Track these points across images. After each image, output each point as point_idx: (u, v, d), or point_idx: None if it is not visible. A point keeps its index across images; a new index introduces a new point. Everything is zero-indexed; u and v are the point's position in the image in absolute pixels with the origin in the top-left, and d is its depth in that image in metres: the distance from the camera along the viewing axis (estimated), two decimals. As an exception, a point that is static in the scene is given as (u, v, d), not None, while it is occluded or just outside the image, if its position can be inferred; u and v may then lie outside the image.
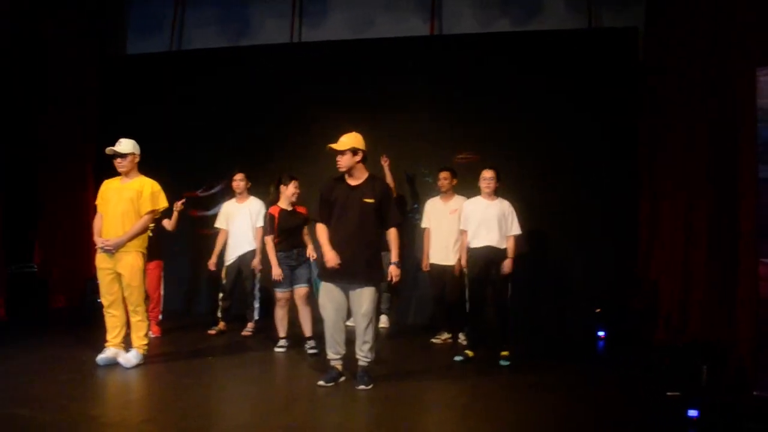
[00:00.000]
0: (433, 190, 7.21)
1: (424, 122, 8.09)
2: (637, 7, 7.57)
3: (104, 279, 5.43)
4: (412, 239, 7.57)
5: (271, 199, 6.36)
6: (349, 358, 5.05)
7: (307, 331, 6.11)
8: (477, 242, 5.92)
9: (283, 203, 6.15)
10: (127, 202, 5.39)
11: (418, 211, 7.13)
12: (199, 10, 9.29)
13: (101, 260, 5.42)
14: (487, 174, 5.99)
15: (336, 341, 4.99)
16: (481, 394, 4.89)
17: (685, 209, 6.56)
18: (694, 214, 6.43)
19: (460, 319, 6.59)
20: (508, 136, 7.75)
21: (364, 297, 4.84)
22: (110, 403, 4.65)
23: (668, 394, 4.53)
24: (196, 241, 8.57)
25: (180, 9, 9.31)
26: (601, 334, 7.06)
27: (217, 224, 7.11)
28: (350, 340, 5.05)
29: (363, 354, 4.91)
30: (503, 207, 5.96)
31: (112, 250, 5.33)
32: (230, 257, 6.96)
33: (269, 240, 6.12)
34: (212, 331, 6.98)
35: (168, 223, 6.71)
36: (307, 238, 6.16)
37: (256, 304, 7.04)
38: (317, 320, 5.38)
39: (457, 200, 6.67)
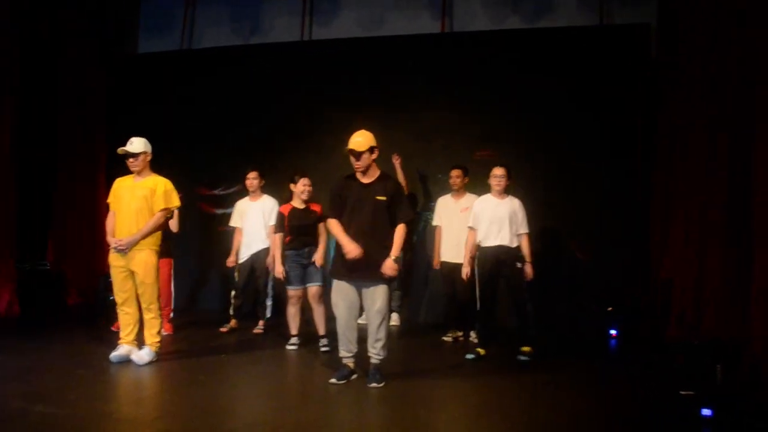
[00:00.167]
0: (445, 188, 7.20)
1: (434, 120, 8.09)
2: (649, 3, 7.53)
3: (117, 277, 5.45)
4: (424, 238, 7.57)
5: (285, 197, 6.37)
6: (361, 356, 5.05)
7: (321, 329, 6.13)
8: (488, 241, 5.88)
9: (296, 201, 6.15)
10: (140, 200, 5.40)
11: (432, 210, 7.10)
12: (210, 8, 9.33)
13: (114, 258, 5.44)
14: (498, 171, 5.94)
15: (348, 339, 4.99)
16: (494, 392, 4.88)
17: (700, 206, 6.52)
18: (709, 211, 6.39)
19: (471, 317, 6.58)
20: (518, 133, 7.75)
21: (378, 294, 4.84)
22: (123, 400, 4.67)
23: (682, 392, 4.50)
24: (202, 239, 8.62)
25: (191, 8, 9.35)
26: (613, 332, 7.04)
27: (232, 223, 7.17)
28: (362, 338, 5.05)
29: (375, 352, 4.91)
30: (513, 205, 5.92)
31: (126, 250, 5.35)
32: (243, 255, 7.01)
33: (277, 237, 6.15)
34: (224, 329, 7.01)
35: (172, 224, 6.71)
36: (321, 239, 6.09)
37: (269, 302, 7.05)
38: (330, 318, 5.37)
39: (469, 198, 6.66)
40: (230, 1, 9.23)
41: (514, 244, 5.85)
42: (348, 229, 4.89)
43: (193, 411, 4.24)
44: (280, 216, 6.17)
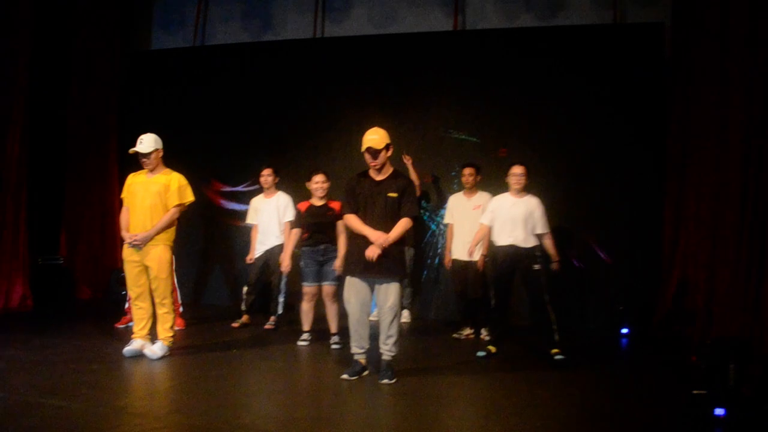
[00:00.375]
0: (456, 187, 7.20)
1: (447, 118, 8.09)
2: (663, 1, 7.50)
3: (132, 272, 5.48)
4: (436, 236, 7.56)
5: (305, 195, 6.37)
6: (372, 352, 5.07)
7: (333, 327, 6.15)
8: (502, 240, 5.80)
9: (314, 198, 6.16)
10: (154, 195, 5.42)
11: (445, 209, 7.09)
12: (223, 5, 9.36)
13: (129, 253, 5.47)
14: (517, 170, 5.82)
15: (360, 335, 5.00)
16: (505, 389, 4.87)
17: (712, 205, 6.50)
18: (722, 210, 6.37)
19: (482, 314, 6.58)
20: (531, 132, 7.73)
21: (390, 291, 4.85)
22: (137, 394, 4.69)
23: (695, 392, 4.48)
24: (207, 235, 8.66)
25: (204, 4, 9.38)
26: (624, 331, 7.02)
27: (249, 220, 7.22)
28: (374, 334, 5.06)
29: (387, 348, 4.93)
30: (530, 205, 5.78)
31: (141, 245, 5.38)
32: (257, 251, 7.05)
33: (293, 232, 6.20)
34: (236, 324, 7.05)
35: None
36: (341, 243, 5.95)
37: (281, 299, 7.06)
38: (342, 316, 5.38)
39: (481, 196, 6.66)
40: (243, -1, 9.28)
41: (529, 244, 5.72)
42: (361, 226, 4.90)
43: (206, 405, 4.25)
44: (298, 212, 6.21)
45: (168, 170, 5.58)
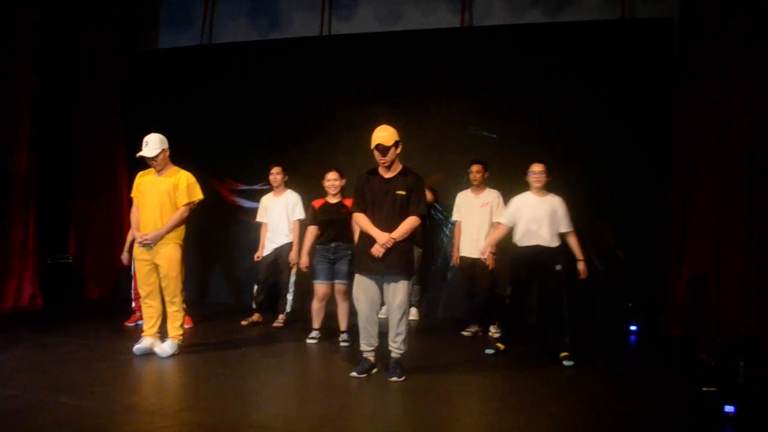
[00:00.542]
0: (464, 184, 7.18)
1: (454, 114, 8.07)
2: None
3: (142, 270, 5.51)
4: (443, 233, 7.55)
5: (319, 193, 6.37)
6: (380, 350, 5.07)
7: (343, 325, 6.15)
8: (526, 241, 5.63)
9: (329, 196, 6.16)
10: (163, 194, 5.44)
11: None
12: (230, 3, 9.36)
13: (139, 252, 5.49)
14: (537, 168, 5.67)
15: (369, 333, 5.01)
16: (514, 387, 4.88)
17: (720, 202, 6.48)
18: (730, 207, 6.35)
19: (490, 312, 6.57)
20: (539, 128, 7.69)
21: (399, 289, 4.85)
22: (147, 392, 4.71)
23: (704, 389, 4.47)
24: (212, 232, 8.67)
25: (211, 3, 9.39)
26: (633, 328, 7.01)
27: (258, 218, 7.23)
28: (382, 332, 5.06)
29: (396, 346, 4.93)
30: (554, 203, 5.65)
31: (151, 245, 5.40)
32: (267, 249, 7.06)
33: (308, 229, 6.23)
34: (245, 322, 7.07)
35: None
36: (356, 235, 5.84)
37: (290, 297, 7.09)
38: (352, 314, 5.39)
39: (489, 193, 6.65)
40: (249, -4, 9.28)
41: (554, 244, 5.59)
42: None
43: (215, 402, 4.27)
44: (313, 209, 6.21)
45: (176, 168, 5.59)
